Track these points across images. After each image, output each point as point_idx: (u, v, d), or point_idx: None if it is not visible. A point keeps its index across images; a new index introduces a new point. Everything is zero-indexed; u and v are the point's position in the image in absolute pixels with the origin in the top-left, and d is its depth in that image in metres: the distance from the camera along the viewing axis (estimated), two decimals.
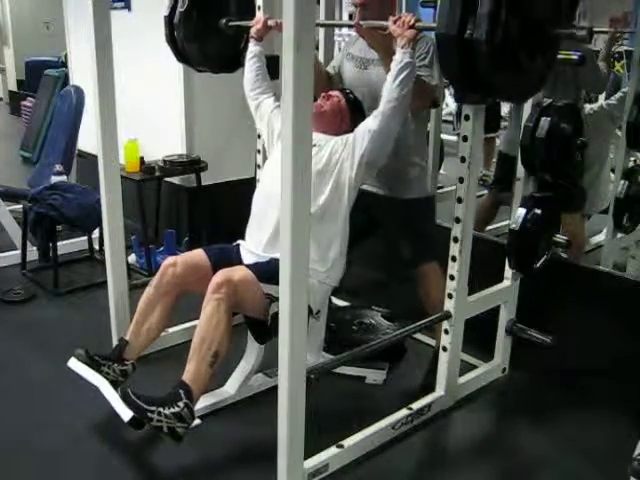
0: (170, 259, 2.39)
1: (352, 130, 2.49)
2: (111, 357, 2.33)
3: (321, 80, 2.56)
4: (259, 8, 2.77)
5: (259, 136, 2.89)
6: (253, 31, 2.61)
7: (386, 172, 2.45)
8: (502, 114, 4.86)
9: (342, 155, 2.31)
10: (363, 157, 2.27)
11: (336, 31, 3.79)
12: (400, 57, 2.16)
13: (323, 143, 2.35)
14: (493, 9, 1.68)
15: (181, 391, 2.06)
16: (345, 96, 2.47)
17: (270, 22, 2.55)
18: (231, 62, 2.78)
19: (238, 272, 2.19)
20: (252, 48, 2.63)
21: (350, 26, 2.43)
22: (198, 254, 2.42)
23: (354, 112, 2.47)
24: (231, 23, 2.71)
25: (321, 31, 3.03)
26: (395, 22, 2.15)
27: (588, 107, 3.51)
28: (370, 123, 2.25)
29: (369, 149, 2.25)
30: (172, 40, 2.74)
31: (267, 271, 2.13)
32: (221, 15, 2.71)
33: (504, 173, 3.35)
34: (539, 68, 1.91)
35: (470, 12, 1.71)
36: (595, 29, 1.97)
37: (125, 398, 2.03)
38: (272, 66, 2.64)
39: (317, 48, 2.97)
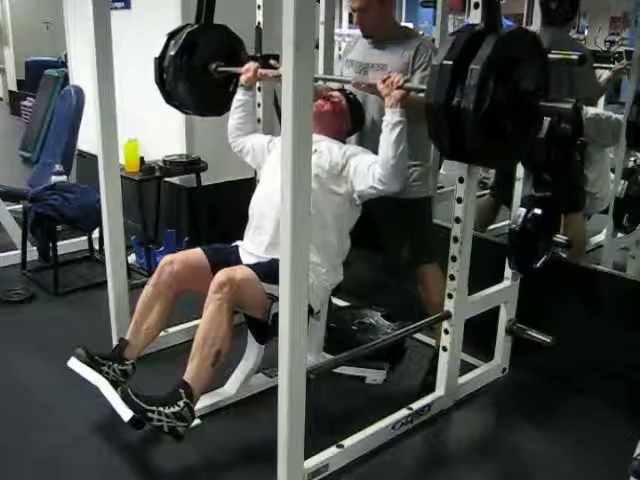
0: (167, 257, 2.39)
1: (352, 128, 2.50)
2: (111, 357, 2.33)
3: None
4: (259, 7, 2.77)
5: None
6: (243, 79, 2.58)
7: None
8: None
9: (342, 170, 2.31)
10: (361, 193, 2.30)
11: (336, 31, 3.79)
12: (390, 118, 2.17)
13: (324, 149, 2.34)
14: (481, 81, 1.75)
15: (181, 390, 2.06)
16: (345, 97, 2.47)
17: (261, 71, 2.54)
18: (219, 106, 2.77)
19: (240, 271, 2.19)
20: (240, 97, 2.60)
21: (346, 82, 2.46)
22: (196, 252, 2.42)
23: (354, 112, 2.48)
24: (220, 69, 2.71)
25: (321, 31, 3.03)
26: (384, 81, 2.15)
27: (593, 111, 3.50)
28: (374, 181, 2.22)
29: (367, 194, 2.29)
30: (161, 82, 2.75)
31: (269, 271, 2.14)
32: (211, 60, 2.71)
33: (505, 174, 3.35)
34: (524, 138, 1.97)
35: (458, 83, 1.79)
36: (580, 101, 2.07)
37: (125, 398, 2.04)
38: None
39: (317, 47, 2.97)
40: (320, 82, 2.79)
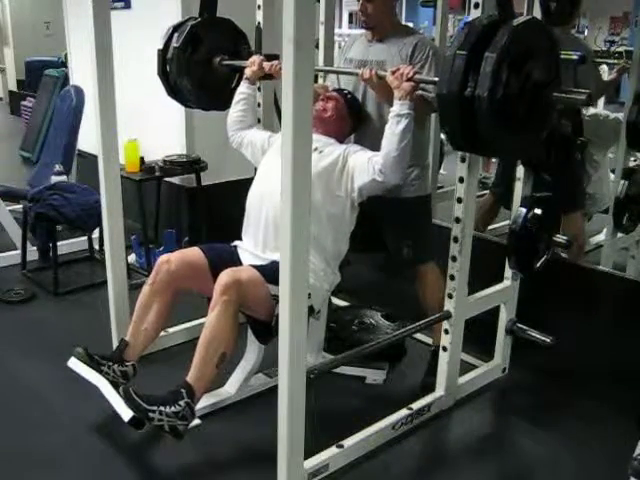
0: (164, 256, 2.39)
1: (352, 128, 2.50)
2: (111, 358, 2.33)
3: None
4: (259, 7, 2.77)
5: None
6: (248, 72, 2.58)
7: None
8: None
9: (343, 170, 2.31)
10: (361, 190, 2.29)
11: (336, 31, 3.79)
12: (397, 109, 2.15)
13: (325, 148, 2.34)
14: (496, 68, 1.74)
15: (183, 390, 2.07)
16: (343, 97, 2.48)
17: (266, 65, 2.53)
18: (222, 100, 2.75)
19: (245, 272, 2.19)
20: (243, 90, 2.60)
21: (354, 74, 2.41)
22: (193, 251, 2.42)
23: (353, 112, 2.48)
24: (224, 62, 2.70)
25: (321, 31, 3.03)
26: (393, 73, 2.15)
27: (593, 111, 3.50)
28: (375, 173, 2.22)
29: (367, 188, 2.28)
30: (164, 74, 2.74)
31: (274, 273, 2.13)
32: (215, 53, 2.70)
33: (507, 173, 3.34)
34: (537, 129, 1.96)
35: (471, 71, 1.77)
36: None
37: (127, 398, 2.03)
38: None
39: (317, 47, 2.97)
40: (320, 81, 2.80)
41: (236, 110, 2.62)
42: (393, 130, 2.17)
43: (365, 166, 2.25)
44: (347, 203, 2.33)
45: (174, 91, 2.79)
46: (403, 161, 2.21)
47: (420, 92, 2.28)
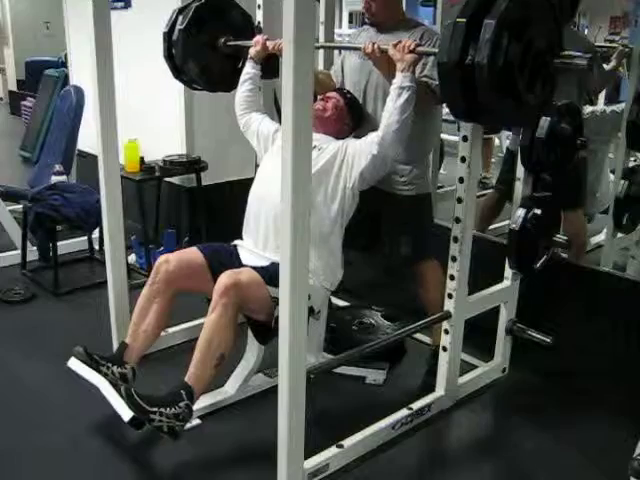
0: (163, 257, 2.38)
1: (352, 128, 2.50)
2: (111, 359, 2.31)
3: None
4: (259, 7, 2.77)
5: None
6: (252, 52, 2.59)
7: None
8: None
9: (342, 164, 2.31)
10: (362, 174, 2.29)
11: (336, 31, 3.79)
12: (399, 81, 2.16)
13: (324, 145, 2.35)
14: (495, 35, 1.72)
15: (183, 392, 2.07)
16: (343, 97, 2.48)
17: (269, 44, 2.53)
18: (228, 81, 2.75)
19: (245, 274, 2.19)
20: (249, 70, 2.61)
21: (357, 49, 2.42)
22: (192, 251, 2.42)
23: (353, 112, 2.48)
24: (229, 43, 2.70)
25: (321, 31, 3.03)
26: (395, 46, 2.15)
27: (590, 109, 3.50)
28: (372, 147, 2.24)
29: (368, 169, 2.27)
30: (170, 56, 2.74)
31: (274, 275, 2.12)
32: (220, 34, 2.71)
33: (510, 171, 3.34)
34: (539, 96, 1.93)
35: (471, 39, 1.76)
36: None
37: (129, 398, 2.03)
38: (274, 64, 2.64)
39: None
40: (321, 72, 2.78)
41: (243, 90, 2.62)
42: (395, 102, 2.17)
43: (363, 147, 2.27)
44: (348, 195, 2.32)
45: (180, 73, 2.80)
46: (403, 135, 2.21)
47: (425, 79, 2.29)
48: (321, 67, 3.01)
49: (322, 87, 2.57)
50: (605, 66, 3.41)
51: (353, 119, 2.49)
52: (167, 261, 2.35)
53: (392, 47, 2.16)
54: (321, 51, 3.04)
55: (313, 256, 2.22)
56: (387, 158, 2.25)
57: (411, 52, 2.13)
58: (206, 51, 2.70)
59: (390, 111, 2.19)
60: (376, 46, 2.21)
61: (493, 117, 1.95)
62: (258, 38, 2.58)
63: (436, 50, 1.96)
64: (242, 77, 2.63)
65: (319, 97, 2.50)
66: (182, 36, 2.66)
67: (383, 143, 2.20)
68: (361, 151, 2.27)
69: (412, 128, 2.24)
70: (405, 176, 2.51)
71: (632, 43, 3.42)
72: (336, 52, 3.09)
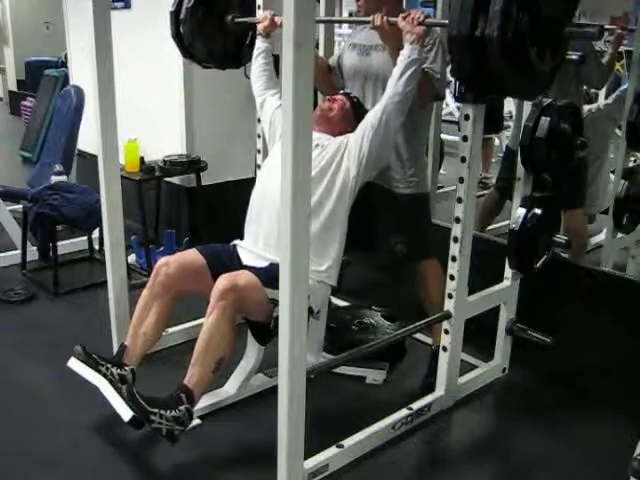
0: (163, 259, 2.38)
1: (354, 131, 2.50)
2: (111, 360, 2.30)
3: (322, 70, 2.58)
4: (259, 7, 2.77)
5: (259, 136, 2.90)
6: (260, 28, 2.62)
7: (385, 168, 2.46)
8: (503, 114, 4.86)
9: (344, 156, 2.31)
10: (364, 157, 2.28)
11: (336, 30, 3.79)
12: (408, 53, 2.16)
13: (326, 143, 2.35)
14: (505, 7, 1.71)
15: (183, 395, 2.07)
16: (349, 99, 2.48)
17: (277, 19, 2.54)
18: (237, 58, 2.79)
19: (243, 277, 2.18)
20: (259, 45, 2.64)
21: (365, 22, 2.41)
22: (191, 253, 2.42)
23: (357, 114, 2.48)
24: (237, 20, 2.72)
25: (321, 30, 3.03)
26: (404, 18, 2.15)
27: (587, 108, 3.51)
28: (370, 117, 2.26)
29: (369, 148, 2.26)
30: (178, 35, 2.75)
31: (271, 276, 2.12)
32: (227, 11, 2.72)
33: (510, 169, 3.34)
34: (549, 66, 1.93)
35: (481, 11, 1.75)
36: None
37: (130, 398, 2.03)
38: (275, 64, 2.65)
39: (317, 47, 2.97)
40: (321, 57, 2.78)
41: (257, 65, 2.64)
42: (402, 72, 2.17)
43: (363, 124, 2.28)
44: (351, 186, 2.31)
45: (189, 52, 2.81)
46: (404, 107, 2.22)
47: (427, 69, 2.29)
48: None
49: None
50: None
51: (357, 122, 2.48)
52: (167, 264, 2.34)
53: (402, 19, 2.16)
54: (321, 50, 3.03)
55: (314, 255, 2.23)
56: (389, 128, 2.24)
57: (420, 24, 2.13)
58: (214, 28, 2.71)
59: (395, 81, 2.19)
60: (385, 19, 2.21)
61: (504, 88, 1.95)
62: (266, 14, 2.61)
63: (445, 22, 1.96)
64: (255, 52, 2.65)
65: (326, 98, 2.50)
66: (189, 14, 2.67)
67: (383, 111, 2.21)
68: (364, 128, 2.27)
69: (403, 126, 2.25)
70: (403, 173, 2.50)
71: (631, 44, 3.42)
72: (336, 49, 3.09)
